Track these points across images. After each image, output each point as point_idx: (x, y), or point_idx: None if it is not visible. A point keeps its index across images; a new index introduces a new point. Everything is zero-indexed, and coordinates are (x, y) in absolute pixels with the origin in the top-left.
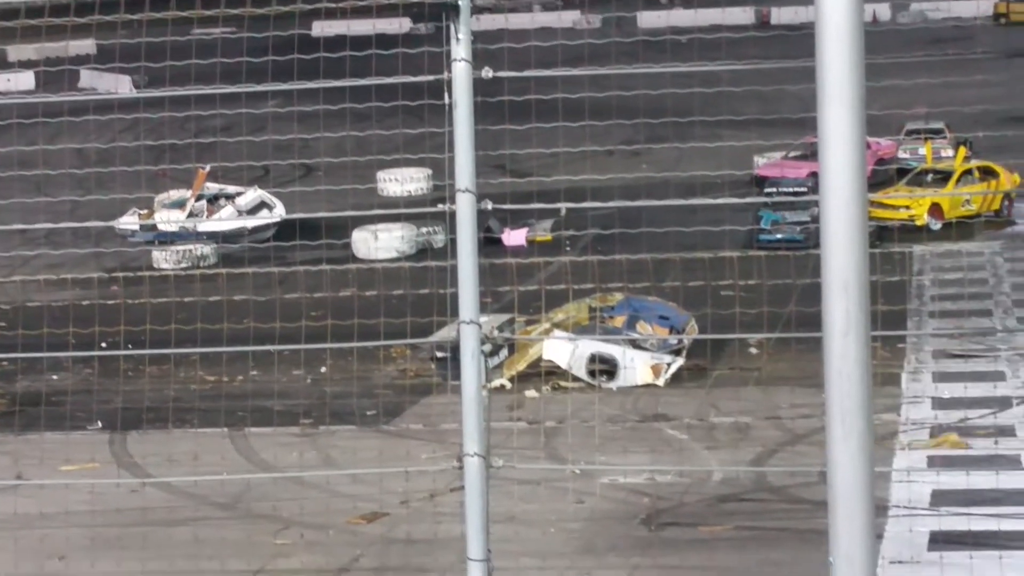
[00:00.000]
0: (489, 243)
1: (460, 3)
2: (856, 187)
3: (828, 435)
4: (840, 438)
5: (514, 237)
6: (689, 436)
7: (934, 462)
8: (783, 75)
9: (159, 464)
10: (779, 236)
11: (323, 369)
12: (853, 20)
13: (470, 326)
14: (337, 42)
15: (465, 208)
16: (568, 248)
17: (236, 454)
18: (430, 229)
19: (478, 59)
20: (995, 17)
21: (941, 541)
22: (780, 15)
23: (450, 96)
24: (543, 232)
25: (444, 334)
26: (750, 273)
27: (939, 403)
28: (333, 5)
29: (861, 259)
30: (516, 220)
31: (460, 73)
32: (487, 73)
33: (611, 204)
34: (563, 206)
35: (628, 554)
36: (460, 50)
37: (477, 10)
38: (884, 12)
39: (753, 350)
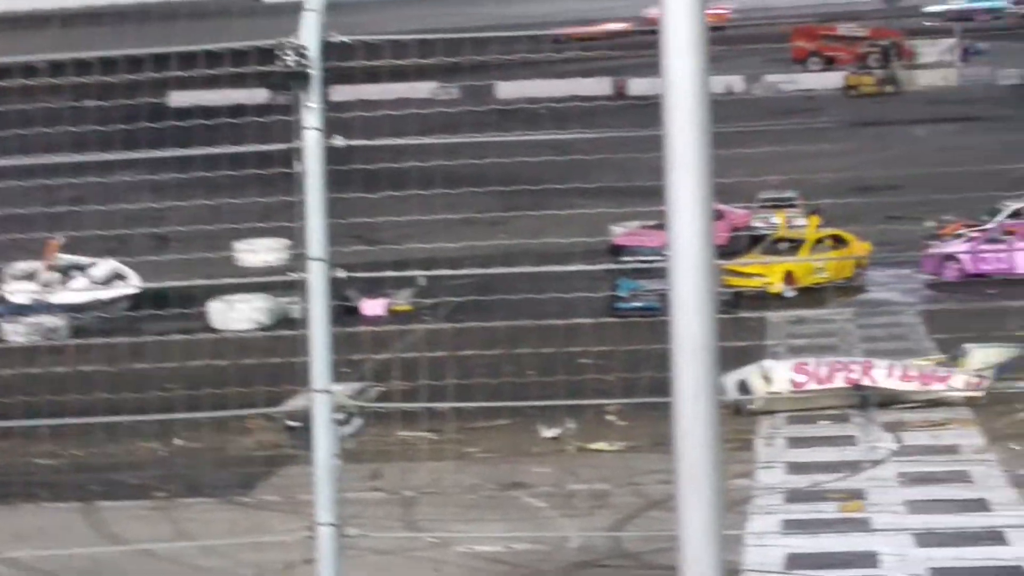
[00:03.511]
0: (348, 313)
1: (310, 72)
2: (703, 253)
3: (678, 499)
4: (690, 502)
5: (373, 306)
6: (548, 504)
7: (788, 526)
8: (637, 144)
9: (6, 540)
10: (636, 304)
11: (177, 441)
12: (700, 90)
13: (322, 395)
14: (194, 112)
15: (317, 276)
16: (427, 317)
17: (87, 528)
18: (290, 299)
19: (334, 128)
20: (845, 89)
21: None
22: (637, 86)
23: (301, 164)
24: (402, 301)
25: (296, 403)
26: (605, 340)
27: (793, 468)
28: (184, 74)
29: (709, 324)
30: (376, 289)
31: (311, 141)
32: (339, 142)
33: (463, 272)
34: (419, 274)
35: None
36: (311, 118)
37: (333, 80)
38: (738, 84)
39: (610, 417)
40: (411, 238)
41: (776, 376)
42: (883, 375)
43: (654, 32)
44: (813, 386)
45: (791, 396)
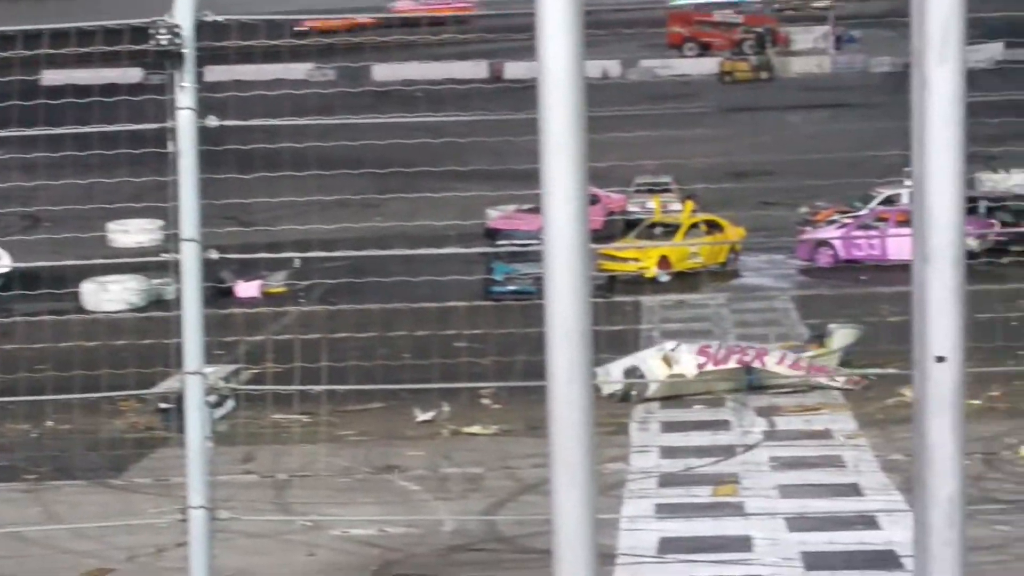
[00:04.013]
0: (222, 294)
1: (183, 51)
2: (578, 237)
3: (552, 483)
4: (564, 486)
5: (247, 288)
6: (422, 487)
7: (661, 510)
8: (513, 127)
9: None
10: (511, 288)
11: (48, 423)
12: (575, 74)
13: (194, 377)
14: (66, 91)
15: (190, 257)
16: (301, 300)
17: None
18: (163, 280)
19: (207, 108)
20: (721, 75)
21: None
22: (513, 70)
23: (174, 144)
24: (276, 283)
25: (169, 385)
26: (480, 324)
27: (666, 452)
28: (56, 52)
29: (583, 308)
30: (250, 271)
31: (184, 121)
32: (212, 122)
33: (341, 253)
34: (293, 256)
35: None
36: (184, 98)
37: (207, 60)
38: (614, 68)
39: (484, 401)
40: (285, 220)
41: (683, 358)
42: (773, 361)
43: (402, 25)
44: (710, 367)
45: (688, 380)
